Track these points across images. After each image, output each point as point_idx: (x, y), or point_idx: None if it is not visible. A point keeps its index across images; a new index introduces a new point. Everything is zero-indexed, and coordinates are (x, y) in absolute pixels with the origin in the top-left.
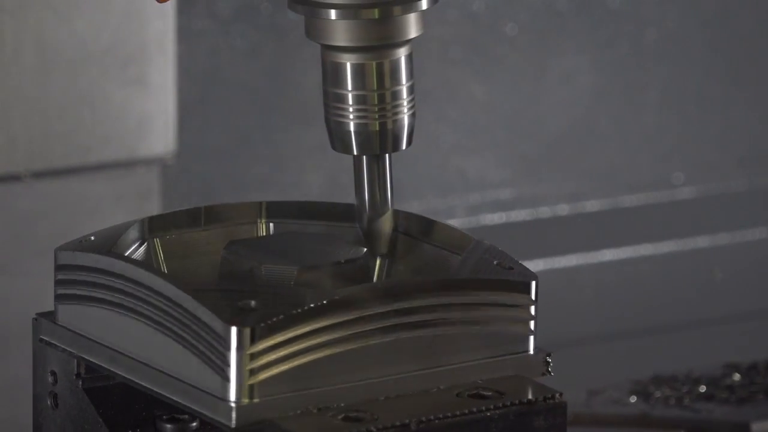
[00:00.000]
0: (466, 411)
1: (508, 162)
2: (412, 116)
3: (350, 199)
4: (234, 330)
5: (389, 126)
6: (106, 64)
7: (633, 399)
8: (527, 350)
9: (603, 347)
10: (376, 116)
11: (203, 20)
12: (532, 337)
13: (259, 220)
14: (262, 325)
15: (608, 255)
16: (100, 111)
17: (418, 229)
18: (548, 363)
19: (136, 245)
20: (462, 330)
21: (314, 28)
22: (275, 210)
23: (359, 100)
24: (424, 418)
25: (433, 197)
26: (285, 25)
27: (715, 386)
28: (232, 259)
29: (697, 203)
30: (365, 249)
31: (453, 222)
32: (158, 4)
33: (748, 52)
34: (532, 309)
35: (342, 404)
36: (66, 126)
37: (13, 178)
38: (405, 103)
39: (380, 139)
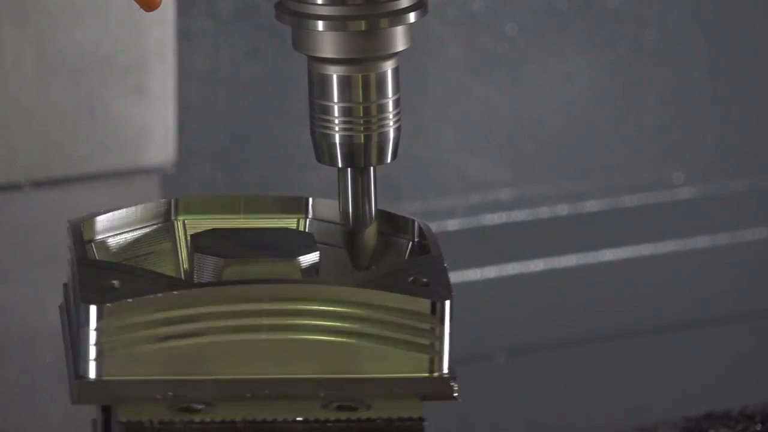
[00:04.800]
0: (304, 418)
1: (508, 162)
2: (398, 129)
3: None
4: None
5: (374, 139)
6: (106, 73)
7: None
8: (425, 371)
9: (603, 347)
10: (362, 129)
11: (203, 20)
12: (437, 359)
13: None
14: (114, 304)
15: (608, 255)
16: (100, 120)
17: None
18: (453, 387)
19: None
20: (355, 341)
21: (301, 39)
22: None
23: (345, 112)
24: (255, 419)
25: (433, 197)
26: (285, 26)
27: None
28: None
29: (697, 203)
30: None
31: (453, 222)
32: (150, 12)
33: (748, 52)
34: (439, 330)
35: (192, 395)
36: (66, 135)
37: (13, 187)
38: (391, 117)
39: (365, 152)
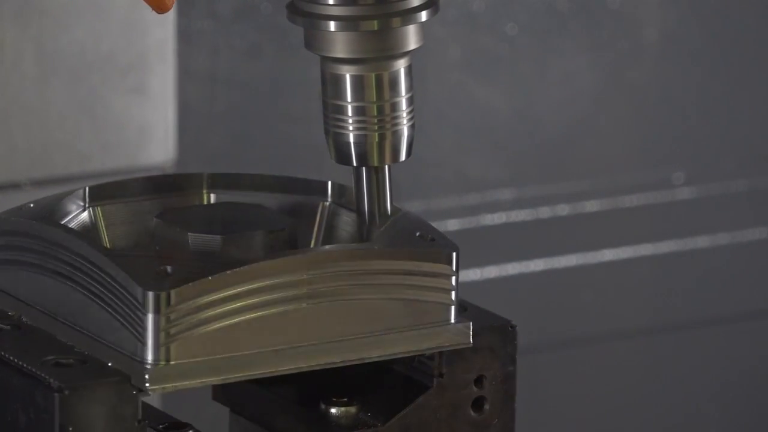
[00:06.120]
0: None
1: (508, 162)
2: (412, 127)
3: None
4: (150, 294)
5: (388, 137)
6: (107, 72)
7: None
8: (448, 320)
9: (603, 347)
10: (376, 128)
11: (203, 20)
12: (453, 308)
13: (203, 191)
14: (176, 289)
15: (608, 255)
16: (101, 119)
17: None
18: (468, 334)
19: (76, 212)
20: (379, 300)
21: (314, 39)
22: (219, 181)
23: (358, 111)
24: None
25: (433, 197)
26: (285, 25)
27: None
28: (162, 227)
29: (697, 203)
30: (291, 220)
31: (453, 222)
32: (159, 14)
33: (748, 52)
34: (453, 280)
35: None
36: (66, 134)
37: (14, 186)
38: (404, 115)
39: (379, 151)
